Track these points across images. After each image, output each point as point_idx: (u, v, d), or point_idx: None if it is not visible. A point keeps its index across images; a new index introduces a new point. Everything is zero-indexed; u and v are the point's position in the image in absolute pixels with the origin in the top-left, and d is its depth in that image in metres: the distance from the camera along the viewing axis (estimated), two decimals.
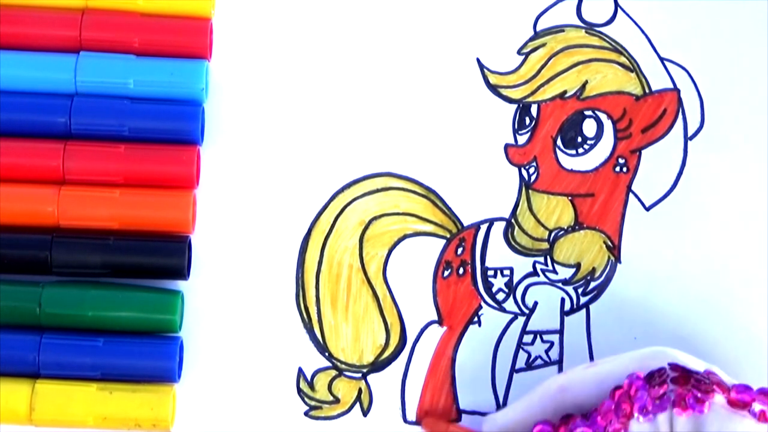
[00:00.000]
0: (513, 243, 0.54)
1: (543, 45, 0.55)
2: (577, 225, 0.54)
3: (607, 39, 0.55)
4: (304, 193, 0.54)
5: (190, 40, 0.54)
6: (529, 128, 0.55)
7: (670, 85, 0.55)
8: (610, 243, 0.54)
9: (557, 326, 0.54)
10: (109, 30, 0.53)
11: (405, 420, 0.53)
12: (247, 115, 0.54)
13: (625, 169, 0.54)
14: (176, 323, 0.52)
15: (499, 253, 0.54)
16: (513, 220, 0.54)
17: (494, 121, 0.55)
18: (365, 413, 0.53)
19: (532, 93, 0.55)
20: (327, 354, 0.53)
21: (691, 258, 0.54)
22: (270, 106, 0.55)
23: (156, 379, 0.51)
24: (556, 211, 0.54)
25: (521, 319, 0.54)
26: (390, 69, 0.55)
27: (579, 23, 0.55)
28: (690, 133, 0.55)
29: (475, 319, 0.54)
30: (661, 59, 0.55)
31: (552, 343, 0.53)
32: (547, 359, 0.53)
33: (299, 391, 0.53)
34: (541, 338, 0.53)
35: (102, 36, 0.53)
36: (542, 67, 0.55)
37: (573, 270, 0.54)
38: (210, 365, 0.53)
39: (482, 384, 0.53)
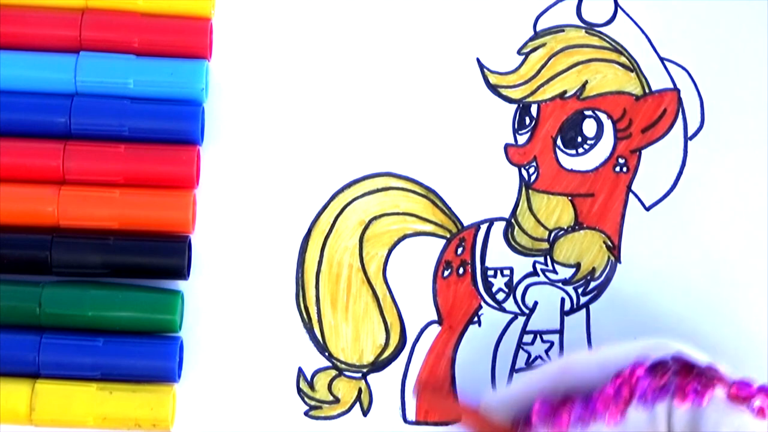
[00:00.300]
0: (513, 243, 0.54)
1: (543, 45, 0.55)
2: (577, 225, 0.54)
3: (607, 39, 0.55)
4: (304, 193, 0.54)
5: (190, 40, 0.54)
6: (529, 128, 0.55)
7: (670, 85, 0.55)
8: (610, 243, 0.54)
9: (557, 326, 0.54)
10: (109, 30, 0.53)
11: (405, 420, 0.53)
12: (247, 115, 0.54)
13: (625, 169, 0.54)
14: (176, 323, 0.52)
15: (499, 253, 0.54)
16: (513, 220, 0.54)
17: (494, 121, 0.55)
18: (365, 413, 0.53)
19: (532, 93, 0.55)
20: (327, 354, 0.53)
21: (691, 258, 0.54)
22: (270, 106, 0.55)
23: (156, 379, 0.51)
24: (556, 211, 0.54)
25: (521, 319, 0.54)
26: (390, 69, 0.55)
27: (579, 23, 0.55)
28: (690, 133, 0.55)
29: (475, 319, 0.54)
30: (661, 59, 0.55)
31: (552, 343, 0.53)
32: (547, 359, 0.53)
33: (299, 391, 0.53)
34: (541, 338, 0.53)
35: (102, 36, 0.53)
36: (542, 67, 0.55)
37: (573, 270, 0.54)
38: (210, 365, 0.53)
39: (482, 384, 0.53)
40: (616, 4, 0.56)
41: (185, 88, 0.53)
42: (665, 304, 0.54)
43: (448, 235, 0.54)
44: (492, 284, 0.54)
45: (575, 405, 0.47)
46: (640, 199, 0.54)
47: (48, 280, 0.52)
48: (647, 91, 0.55)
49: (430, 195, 0.54)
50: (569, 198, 0.54)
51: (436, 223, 0.54)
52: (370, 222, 0.54)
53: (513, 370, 0.53)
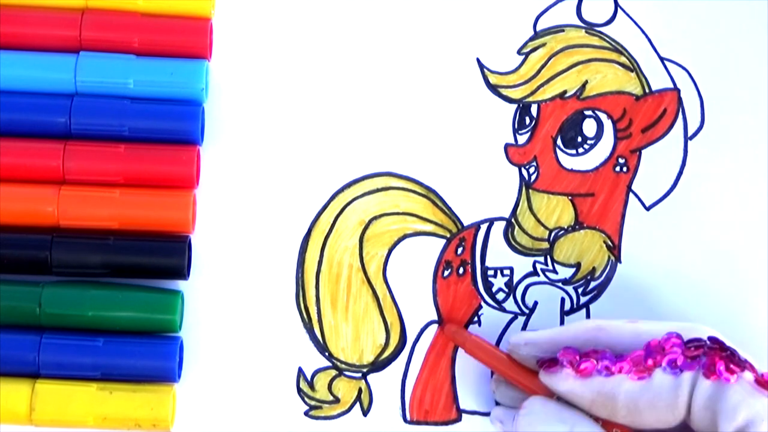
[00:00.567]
0: (513, 243, 0.54)
1: (543, 45, 0.55)
2: (577, 225, 0.54)
3: (607, 39, 0.55)
4: (304, 193, 0.54)
5: (190, 40, 0.54)
6: (529, 128, 0.55)
7: (670, 85, 0.55)
8: (610, 243, 0.54)
9: (557, 326, 0.53)
10: (109, 30, 0.53)
11: (405, 420, 0.53)
12: (247, 115, 0.54)
13: (625, 169, 0.54)
14: (176, 323, 0.52)
15: (499, 253, 0.54)
16: (513, 220, 0.54)
17: (494, 121, 0.55)
18: (365, 413, 0.53)
19: (532, 93, 0.55)
20: (327, 354, 0.53)
21: (691, 258, 0.54)
22: (270, 106, 0.55)
23: (156, 379, 0.51)
24: (556, 210, 0.54)
25: (521, 319, 0.54)
26: (390, 69, 0.55)
27: (579, 23, 0.55)
28: (690, 133, 0.55)
29: (475, 318, 0.54)
30: (661, 59, 0.55)
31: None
32: None
33: (299, 390, 0.53)
34: None
35: (102, 36, 0.53)
36: (542, 67, 0.55)
37: (573, 270, 0.54)
38: (210, 365, 0.53)
39: (482, 384, 0.53)
40: (616, 4, 0.56)
41: (185, 88, 0.53)
42: (665, 303, 0.54)
43: (448, 235, 0.54)
44: (492, 284, 0.54)
45: (605, 355, 0.48)
46: (640, 199, 0.54)
47: (48, 280, 0.52)
48: (647, 91, 0.55)
49: (430, 195, 0.54)
50: (569, 198, 0.54)
51: (436, 223, 0.54)
52: (370, 222, 0.54)
53: None
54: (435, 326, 0.53)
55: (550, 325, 0.53)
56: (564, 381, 0.48)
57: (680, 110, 0.55)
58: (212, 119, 0.54)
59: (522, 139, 0.55)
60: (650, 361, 0.47)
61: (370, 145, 0.54)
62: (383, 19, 0.55)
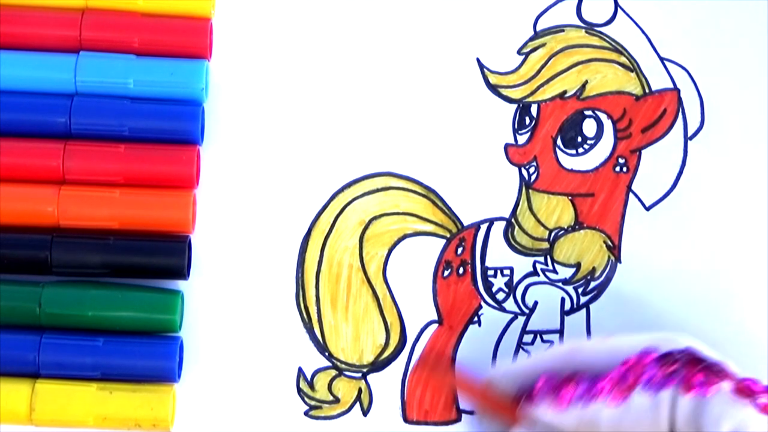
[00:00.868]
0: (513, 243, 0.54)
1: (543, 45, 0.55)
2: (577, 225, 0.54)
3: (607, 39, 0.55)
4: (304, 193, 0.54)
5: (190, 40, 0.54)
6: (529, 128, 0.55)
7: (670, 85, 0.55)
8: (610, 243, 0.54)
9: (557, 326, 0.54)
10: (109, 30, 0.53)
11: (405, 420, 0.53)
12: (247, 115, 0.54)
13: (625, 169, 0.54)
14: (176, 323, 0.52)
15: (499, 253, 0.54)
16: (513, 220, 0.54)
17: (494, 121, 0.55)
18: (365, 413, 0.53)
19: (532, 93, 0.55)
20: (327, 354, 0.53)
21: (691, 258, 0.54)
22: (270, 106, 0.55)
23: (156, 379, 0.51)
24: (556, 210, 0.54)
25: (521, 319, 0.54)
26: (390, 69, 0.55)
27: (579, 23, 0.55)
28: (690, 133, 0.55)
29: (475, 318, 0.54)
30: (661, 59, 0.55)
31: (552, 343, 0.53)
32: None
33: (299, 390, 0.53)
34: (541, 338, 0.53)
35: (102, 36, 0.53)
36: (542, 67, 0.55)
37: (573, 270, 0.54)
38: (210, 365, 0.53)
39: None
40: (616, 4, 0.56)
41: (185, 88, 0.53)
42: (665, 303, 0.54)
43: (448, 235, 0.54)
44: (492, 284, 0.54)
45: (579, 383, 0.47)
46: (640, 199, 0.54)
47: (48, 280, 0.52)
48: (647, 91, 0.55)
49: (430, 195, 0.54)
50: (569, 198, 0.54)
51: (436, 223, 0.54)
52: (370, 222, 0.54)
53: None
54: (435, 326, 0.53)
55: (549, 325, 0.53)
56: (545, 413, 0.48)
57: (680, 110, 0.55)
58: (212, 119, 0.54)
59: (522, 139, 0.55)
60: (630, 380, 0.47)
61: (370, 145, 0.54)
62: (383, 19, 0.55)
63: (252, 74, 0.55)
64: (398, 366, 0.53)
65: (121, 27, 0.53)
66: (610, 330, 0.53)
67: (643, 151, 0.55)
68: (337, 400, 0.53)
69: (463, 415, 0.53)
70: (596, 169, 0.55)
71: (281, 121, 0.54)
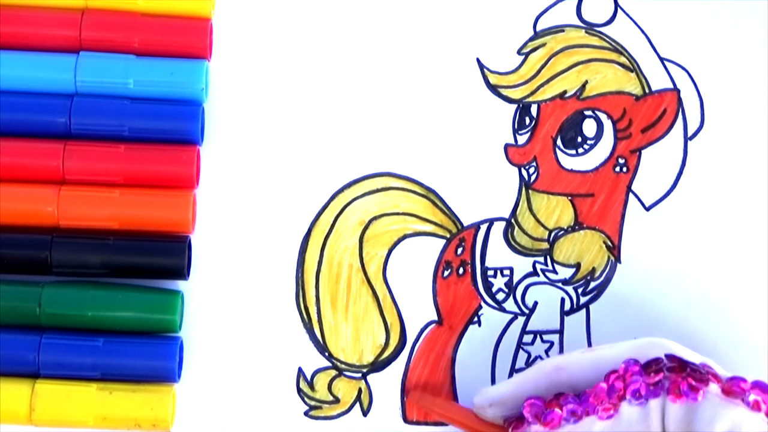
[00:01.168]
0: (513, 243, 0.54)
1: (543, 45, 0.55)
2: (577, 225, 0.54)
3: (607, 39, 0.55)
4: (304, 193, 0.54)
5: (190, 40, 0.54)
6: (529, 128, 0.55)
7: (670, 85, 0.55)
8: (610, 243, 0.54)
9: (557, 326, 0.54)
10: (109, 30, 0.53)
11: (405, 420, 0.53)
12: (247, 115, 0.54)
13: (625, 169, 0.54)
14: (176, 323, 0.52)
15: (499, 253, 0.54)
16: (513, 220, 0.54)
17: (494, 121, 0.55)
18: (365, 413, 0.53)
19: (532, 93, 0.55)
20: (327, 354, 0.53)
21: (691, 258, 0.54)
22: (270, 106, 0.55)
23: (156, 379, 0.51)
24: (556, 211, 0.54)
25: (521, 319, 0.54)
26: (390, 69, 0.55)
27: (579, 23, 0.55)
28: (690, 133, 0.55)
29: (475, 319, 0.54)
30: (661, 59, 0.55)
31: (552, 343, 0.53)
32: (546, 359, 0.53)
33: (299, 391, 0.53)
34: (541, 338, 0.53)
35: (102, 36, 0.53)
36: (542, 67, 0.55)
37: (573, 270, 0.54)
38: (210, 365, 0.53)
39: (482, 384, 0.53)
40: (616, 4, 0.56)
41: (185, 88, 0.53)
42: (665, 304, 0.54)
43: (448, 235, 0.54)
44: (492, 284, 0.54)
45: (567, 400, 0.48)
46: (640, 199, 0.54)
47: (48, 280, 0.52)
48: (647, 91, 0.55)
49: (430, 195, 0.54)
50: (569, 198, 0.54)
51: (436, 223, 0.54)
52: (370, 222, 0.54)
53: (513, 370, 0.53)
54: (435, 326, 0.53)
55: (549, 325, 0.53)
56: None
57: (680, 110, 0.55)
58: (212, 119, 0.54)
59: (522, 139, 0.55)
60: (615, 396, 0.47)
61: (370, 145, 0.54)
62: (383, 19, 0.55)
63: (252, 74, 0.55)
64: (398, 366, 0.53)
65: (121, 27, 0.53)
66: (610, 330, 0.53)
67: (643, 151, 0.55)
68: (337, 401, 0.53)
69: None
70: (596, 169, 0.55)
71: (281, 121, 0.54)
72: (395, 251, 0.54)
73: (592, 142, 0.55)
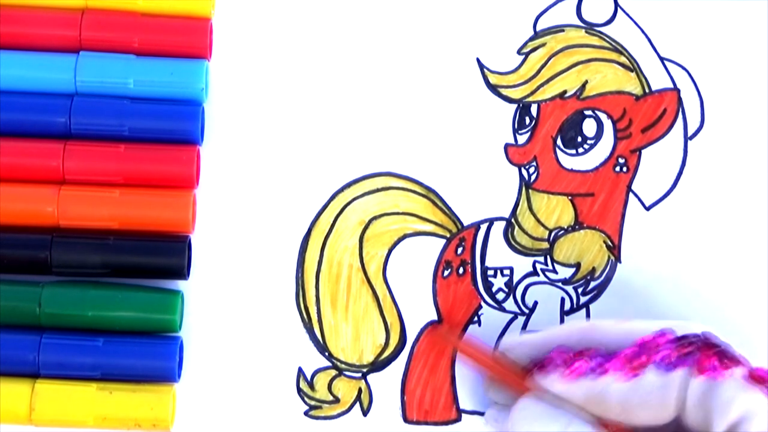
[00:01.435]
0: (513, 243, 0.54)
1: (543, 45, 0.55)
2: (577, 225, 0.54)
3: (607, 39, 0.55)
4: (304, 193, 0.54)
5: (190, 40, 0.54)
6: (529, 128, 0.55)
7: (670, 85, 0.55)
8: (610, 243, 0.54)
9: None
10: (109, 30, 0.53)
11: (405, 420, 0.53)
12: (247, 115, 0.54)
13: (625, 169, 0.54)
14: (176, 323, 0.52)
15: (499, 253, 0.54)
16: (513, 220, 0.54)
17: (494, 121, 0.55)
18: (365, 413, 0.53)
19: (532, 93, 0.55)
20: (327, 354, 0.53)
21: (692, 258, 0.54)
22: (270, 106, 0.55)
23: (156, 379, 0.51)
24: (556, 210, 0.54)
25: (521, 319, 0.54)
26: (390, 69, 0.55)
27: (579, 23, 0.55)
28: (690, 133, 0.55)
29: (475, 318, 0.54)
30: (661, 59, 0.55)
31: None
32: None
33: (299, 390, 0.53)
34: None
35: (102, 36, 0.53)
36: (542, 66, 0.55)
37: (573, 270, 0.54)
38: (210, 365, 0.53)
39: (482, 384, 0.53)
40: (616, 4, 0.56)
41: (185, 88, 0.53)
42: (665, 303, 0.54)
43: (448, 235, 0.54)
44: (492, 284, 0.54)
45: (592, 357, 0.48)
46: (640, 199, 0.54)
47: (48, 280, 0.52)
48: (647, 90, 0.55)
49: (430, 195, 0.54)
50: (569, 198, 0.54)
51: (436, 223, 0.54)
52: (370, 222, 0.54)
53: None
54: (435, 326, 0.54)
55: (550, 325, 0.53)
56: (556, 383, 0.48)
57: (680, 110, 0.55)
58: (212, 119, 0.54)
59: (522, 139, 0.55)
60: (643, 358, 0.47)
61: (370, 145, 0.54)
62: (383, 19, 0.55)
63: (252, 74, 0.55)
64: (398, 366, 0.53)
65: (121, 27, 0.53)
66: None
67: (643, 151, 0.55)
68: (337, 400, 0.53)
69: (463, 415, 0.53)
70: (596, 169, 0.55)
71: (281, 121, 0.54)
72: (395, 251, 0.54)
73: (592, 141, 0.55)
